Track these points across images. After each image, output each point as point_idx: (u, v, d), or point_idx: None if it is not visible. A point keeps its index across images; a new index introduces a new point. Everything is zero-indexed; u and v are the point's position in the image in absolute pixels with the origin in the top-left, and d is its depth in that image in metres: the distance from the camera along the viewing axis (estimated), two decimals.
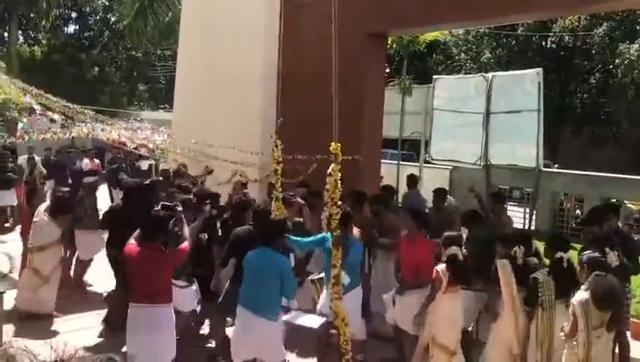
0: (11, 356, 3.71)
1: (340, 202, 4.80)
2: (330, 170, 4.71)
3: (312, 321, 5.34)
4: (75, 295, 7.76)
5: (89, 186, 8.56)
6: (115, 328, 6.05)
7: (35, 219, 7.18)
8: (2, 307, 5.97)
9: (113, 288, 6.93)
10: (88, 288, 8.13)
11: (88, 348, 5.64)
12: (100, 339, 6.36)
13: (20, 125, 15.85)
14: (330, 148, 4.67)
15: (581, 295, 4.44)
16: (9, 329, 6.08)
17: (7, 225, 12.24)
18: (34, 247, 7.05)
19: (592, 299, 4.34)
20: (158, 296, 4.75)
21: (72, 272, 8.13)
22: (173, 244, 5.03)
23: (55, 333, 6.33)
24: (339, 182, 4.73)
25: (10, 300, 6.69)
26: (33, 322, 6.69)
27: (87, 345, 5.92)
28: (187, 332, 6.10)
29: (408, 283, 5.73)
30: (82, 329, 6.57)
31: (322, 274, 5.80)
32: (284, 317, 5.19)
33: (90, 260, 7.92)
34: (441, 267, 5.22)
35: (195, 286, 5.91)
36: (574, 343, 4.45)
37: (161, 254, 4.78)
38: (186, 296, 5.82)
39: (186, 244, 5.01)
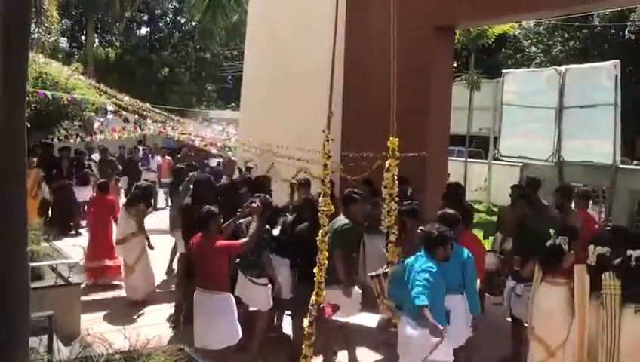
0: (88, 343, 3.90)
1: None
2: (387, 165, 4.61)
3: (370, 319, 5.22)
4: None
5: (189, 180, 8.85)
6: (184, 320, 6.26)
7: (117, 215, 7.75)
8: (80, 297, 6.31)
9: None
10: None
11: (161, 338, 5.80)
12: (174, 331, 6.52)
13: (95, 125, 16.60)
14: (388, 143, 4.56)
15: None
16: (86, 318, 6.34)
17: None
18: (117, 240, 7.64)
19: None
20: (212, 282, 5.05)
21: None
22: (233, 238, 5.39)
23: (131, 323, 6.52)
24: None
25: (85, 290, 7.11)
26: (110, 312, 7.04)
27: (160, 335, 6.10)
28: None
29: None
30: (161, 322, 6.78)
31: (386, 269, 5.63)
32: (337, 316, 5.02)
33: None
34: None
35: (270, 286, 5.86)
36: None
37: (212, 243, 5.05)
38: (267, 295, 5.79)
39: (242, 241, 5.24)
